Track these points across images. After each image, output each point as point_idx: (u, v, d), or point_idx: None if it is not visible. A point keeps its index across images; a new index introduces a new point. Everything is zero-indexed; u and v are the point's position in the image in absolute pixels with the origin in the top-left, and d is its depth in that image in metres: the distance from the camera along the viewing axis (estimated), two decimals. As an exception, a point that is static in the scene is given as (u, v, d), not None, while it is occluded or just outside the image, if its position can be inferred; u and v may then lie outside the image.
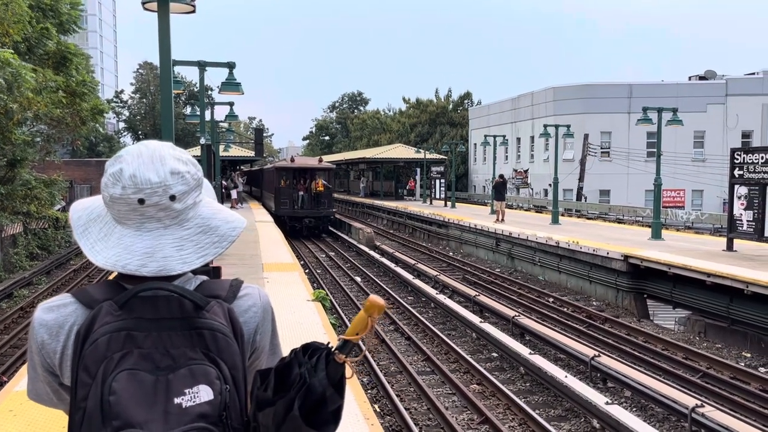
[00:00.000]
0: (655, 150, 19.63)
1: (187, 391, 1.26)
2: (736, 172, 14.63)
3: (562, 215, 28.84)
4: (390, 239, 31.73)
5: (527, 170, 47.19)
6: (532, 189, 45.95)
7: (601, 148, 42.07)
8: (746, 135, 42.89)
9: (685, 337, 13.22)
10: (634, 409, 8.85)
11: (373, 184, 55.10)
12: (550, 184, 30.12)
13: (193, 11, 8.60)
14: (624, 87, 42.94)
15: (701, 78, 45.00)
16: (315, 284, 17.24)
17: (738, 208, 14.61)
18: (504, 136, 36.57)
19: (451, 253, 25.72)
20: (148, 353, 1.27)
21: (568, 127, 26.51)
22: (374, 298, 1.33)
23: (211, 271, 1.51)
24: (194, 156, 1.55)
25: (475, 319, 13.13)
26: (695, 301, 13.63)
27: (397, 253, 24.28)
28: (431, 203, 39.54)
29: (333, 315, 13.04)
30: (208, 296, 1.36)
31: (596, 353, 10.26)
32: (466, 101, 63.35)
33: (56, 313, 1.35)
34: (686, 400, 8.05)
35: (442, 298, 15.43)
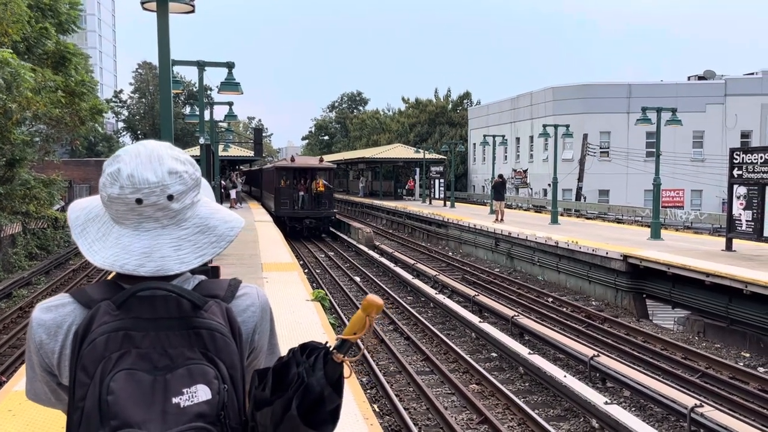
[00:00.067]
0: (654, 150, 19.64)
1: (185, 390, 1.26)
2: (735, 172, 14.63)
3: (561, 215, 28.84)
4: (389, 239, 31.72)
5: (526, 170, 47.21)
6: (531, 189, 45.96)
7: (601, 148, 42.09)
8: (745, 135, 42.92)
9: (684, 336, 13.23)
10: (633, 409, 8.86)
11: (372, 184, 55.10)
12: (549, 184, 30.13)
13: (192, 11, 8.60)
14: (623, 87, 42.95)
15: (700, 78, 45.02)
16: (314, 284, 17.24)
17: (737, 208, 14.61)
18: (503, 136, 36.60)
19: (450, 253, 25.73)
20: (146, 353, 1.27)
21: (567, 127, 26.52)
22: (372, 297, 1.34)
23: (210, 270, 1.51)
24: (193, 156, 1.55)
25: (474, 318, 13.14)
26: (694, 301, 13.63)
27: (396, 253, 24.28)
28: (430, 203, 39.55)
29: (332, 315, 13.03)
30: (206, 296, 1.36)
31: (595, 353, 10.27)
32: (465, 101, 63.34)
33: (54, 313, 1.35)
34: (685, 399, 8.06)
35: (441, 297, 15.43)
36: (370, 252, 24.78)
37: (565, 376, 9.13)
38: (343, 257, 25.42)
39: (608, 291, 16.39)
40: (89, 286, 1.38)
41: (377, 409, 8.74)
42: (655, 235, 18.48)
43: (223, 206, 1.51)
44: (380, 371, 10.45)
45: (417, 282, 17.79)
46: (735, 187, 14.65)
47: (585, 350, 10.55)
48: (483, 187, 51.07)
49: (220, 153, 31.76)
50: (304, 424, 1.27)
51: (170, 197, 1.33)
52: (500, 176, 26.02)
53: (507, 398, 9.08)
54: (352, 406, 5.58)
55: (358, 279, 20.18)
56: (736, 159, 14.63)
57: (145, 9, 8.30)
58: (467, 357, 11.14)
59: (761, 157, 13.97)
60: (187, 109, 57.04)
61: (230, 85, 15.27)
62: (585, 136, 39.93)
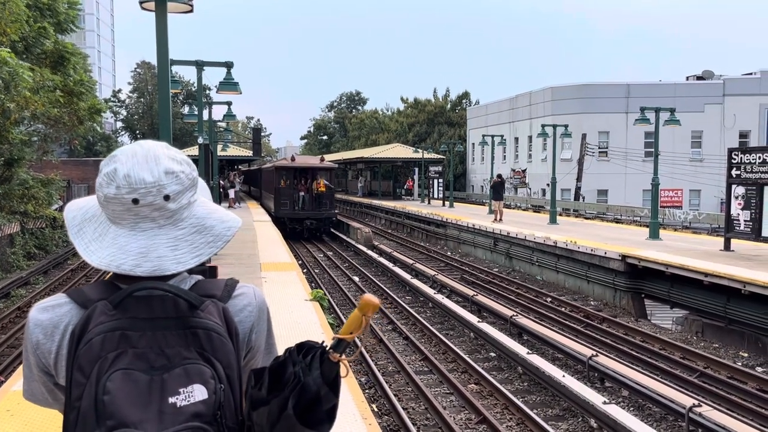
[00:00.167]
0: (652, 150, 19.66)
1: (181, 390, 1.26)
2: (734, 172, 14.65)
3: (560, 215, 28.85)
4: (388, 239, 31.71)
5: (525, 170, 47.23)
6: (530, 189, 45.98)
7: (599, 148, 42.10)
8: (743, 135, 42.95)
9: (682, 336, 13.25)
10: (632, 409, 8.86)
11: (371, 184, 55.10)
12: (548, 184, 30.12)
13: (191, 11, 8.59)
14: (622, 87, 42.96)
15: (699, 78, 45.04)
16: (313, 284, 17.25)
17: (735, 207, 14.63)
18: (502, 136, 36.61)
19: (449, 253, 25.73)
20: (143, 353, 1.27)
21: (566, 126, 26.55)
22: (368, 296, 1.34)
23: (207, 270, 1.51)
24: (192, 156, 1.55)
25: (473, 318, 13.14)
26: (693, 301, 13.65)
27: (395, 253, 24.28)
28: (429, 203, 39.56)
29: (331, 315, 13.04)
30: (203, 296, 1.36)
31: (594, 353, 10.27)
32: (464, 101, 63.33)
33: (51, 313, 1.35)
34: (684, 399, 8.06)
35: (440, 297, 15.44)
36: (369, 252, 24.77)
37: (563, 376, 9.14)
38: (341, 257, 25.42)
39: (607, 291, 16.40)
40: (86, 286, 1.38)
41: (376, 409, 8.75)
42: (654, 235, 18.50)
43: (221, 206, 1.51)
44: (379, 371, 10.45)
45: (416, 282, 17.79)
46: (733, 187, 14.66)
47: (583, 350, 10.56)
48: (482, 186, 51.07)
49: (219, 153, 31.76)
50: (301, 423, 1.27)
51: (167, 197, 1.33)
52: (499, 176, 26.05)
53: (505, 398, 9.09)
54: (350, 405, 5.58)
55: (356, 279, 20.18)
56: (735, 159, 14.65)
57: (143, 9, 8.30)
58: (466, 357, 11.15)
59: (759, 157, 13.99)
60: (186, 109, 56.90)
61: (229, 84, 15.26)
62: (584, 136, 39.94)
